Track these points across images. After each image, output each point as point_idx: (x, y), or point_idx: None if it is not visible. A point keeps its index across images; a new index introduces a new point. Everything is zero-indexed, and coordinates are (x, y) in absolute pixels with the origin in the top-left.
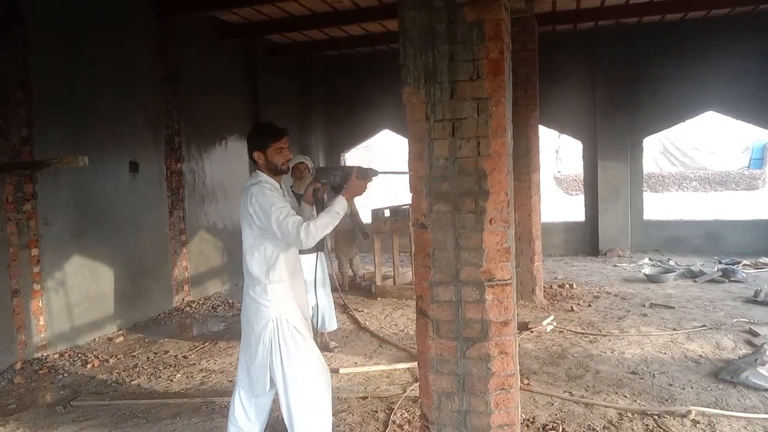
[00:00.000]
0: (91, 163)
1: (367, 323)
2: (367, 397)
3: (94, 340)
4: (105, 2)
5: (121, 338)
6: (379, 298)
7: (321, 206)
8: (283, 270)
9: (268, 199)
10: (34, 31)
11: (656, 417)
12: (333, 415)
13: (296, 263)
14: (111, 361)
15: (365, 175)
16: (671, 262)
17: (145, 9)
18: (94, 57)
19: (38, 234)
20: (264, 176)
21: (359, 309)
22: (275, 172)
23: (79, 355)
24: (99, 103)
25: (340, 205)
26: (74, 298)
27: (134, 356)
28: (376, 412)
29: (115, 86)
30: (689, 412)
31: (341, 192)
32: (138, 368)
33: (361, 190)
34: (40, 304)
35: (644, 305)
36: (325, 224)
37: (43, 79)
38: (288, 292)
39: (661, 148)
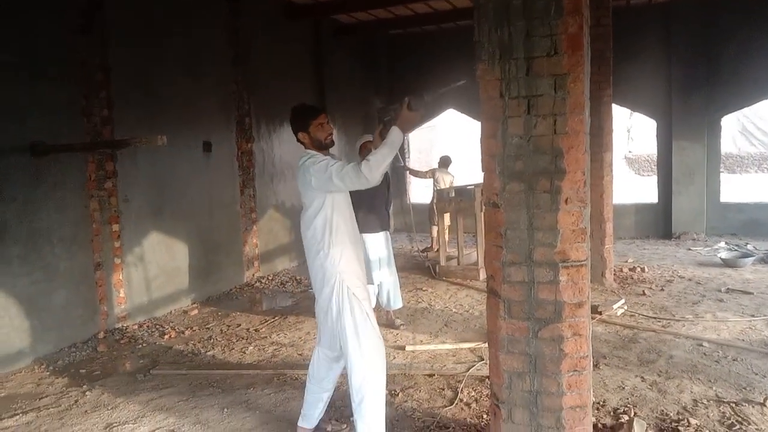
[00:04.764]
0: (167, 143)
1: (432, 303)
2: (434, 375)
3: (170, 312)
4: None
5: (196, 311)
6: (443, 278)
7: None
8: (344, 234)
9: (323, 161)
10: (112, 17)
11: (734, 405)
12: (401, 390)
13: (355, 231)
14: (186, 332)
15: (417, 104)
16: (749, 247)
17: None
18: (168, 40)
19: (118, 210)
20: (313, 152)
21: (423, 288)
22: (321, 147)
23: (157, 326)
24: (173, 85)
25: (395, 135)
26: (151, 272)
27: (208, 328)
28: (443, 389)
29: (188, 68)
30: (767, 399)
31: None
32: (212, 340)
33: (414, 120)
34: (120, 277)
35: (720, 290)
36: (383, 155)
37: (121, 62)
38: (350, 255)
39: (740, 128)
